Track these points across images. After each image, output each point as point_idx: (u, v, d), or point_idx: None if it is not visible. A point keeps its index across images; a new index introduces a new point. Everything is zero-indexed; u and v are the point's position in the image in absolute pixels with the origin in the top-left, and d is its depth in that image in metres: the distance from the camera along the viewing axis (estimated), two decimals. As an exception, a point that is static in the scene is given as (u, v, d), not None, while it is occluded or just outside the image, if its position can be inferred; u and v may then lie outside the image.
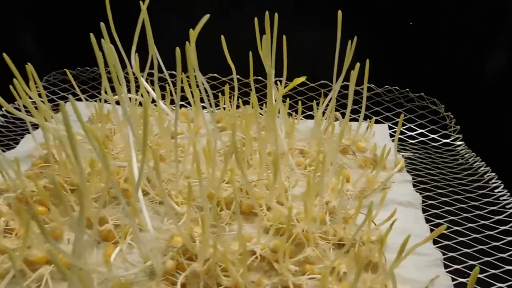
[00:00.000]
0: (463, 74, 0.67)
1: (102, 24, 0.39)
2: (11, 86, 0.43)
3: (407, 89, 0.62)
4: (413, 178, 0.49)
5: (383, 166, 0.48)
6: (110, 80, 0.47)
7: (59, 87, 0.66)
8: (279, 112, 0.48)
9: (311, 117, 0.60)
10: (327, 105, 0.50)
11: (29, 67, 0.40)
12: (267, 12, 0.36)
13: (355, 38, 0.44)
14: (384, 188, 0.44)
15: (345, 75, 0.45)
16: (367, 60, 0.44)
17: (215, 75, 0.63)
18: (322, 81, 0.61)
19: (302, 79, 0.45)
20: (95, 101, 0.59)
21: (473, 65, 0.66)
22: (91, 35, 0.36)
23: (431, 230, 0.42)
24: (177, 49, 0.33)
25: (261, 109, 0.55)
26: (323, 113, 0.50)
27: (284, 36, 0.43)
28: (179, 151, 0.47)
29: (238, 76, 0.51)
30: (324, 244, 0.37)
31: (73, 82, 0.54)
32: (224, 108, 0.57)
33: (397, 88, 0.62)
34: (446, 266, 0.38)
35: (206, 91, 0.41)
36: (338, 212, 0.40)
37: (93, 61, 0.66)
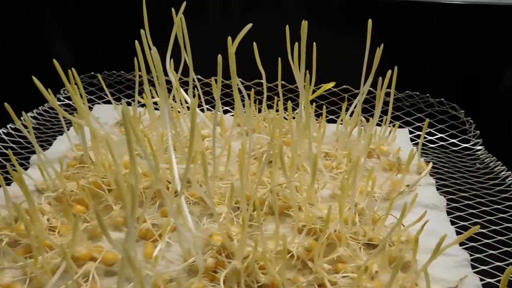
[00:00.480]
0: (482, 80, 0.68)
1: (142, 31, 0.40)
2: (49, 89, 0.45)
3: (428, 94, 0.63)
4: (436, 182, 0.50)
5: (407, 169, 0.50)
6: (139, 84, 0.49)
7: (86, 90, 0.68)
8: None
9: (332, 121, 0.62)
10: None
11: (73, 72, 0.42)
12: (303, 21, 0.38)
13: (382, 45, 0.45)
14: (411, 191, 0.46)
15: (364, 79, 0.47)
16: (396, 67, 0.45)
17: (240, 79, 0.64)
18: (345, 86, 0.62)
19: (331, 85, 0.46)
20: (129, 104, 0.60)
21: (492, 71, 0.67)
22: (136, 42, 0.38)
23: (457, 232, 0.43)
24: (219, 56, 0.35)
25: (285, 112, 0.57)
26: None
27: (314, 43, 0.44)
28: (208, 153, 0.49)
29: (261, 81, 0.53)
30: (354, 244, 0.39)
31: (104, 86, 0.56)
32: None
33: (417, 93, 0.63)
34: (473, 267, 0.39)
35: (242, 94, 0.42)
36: (367, 213, 0.41)
37: (117, 65, 0.68)
